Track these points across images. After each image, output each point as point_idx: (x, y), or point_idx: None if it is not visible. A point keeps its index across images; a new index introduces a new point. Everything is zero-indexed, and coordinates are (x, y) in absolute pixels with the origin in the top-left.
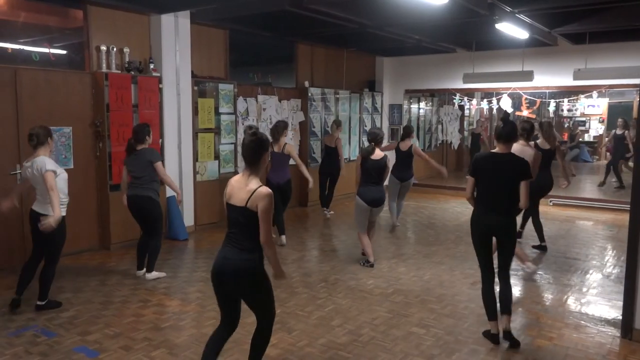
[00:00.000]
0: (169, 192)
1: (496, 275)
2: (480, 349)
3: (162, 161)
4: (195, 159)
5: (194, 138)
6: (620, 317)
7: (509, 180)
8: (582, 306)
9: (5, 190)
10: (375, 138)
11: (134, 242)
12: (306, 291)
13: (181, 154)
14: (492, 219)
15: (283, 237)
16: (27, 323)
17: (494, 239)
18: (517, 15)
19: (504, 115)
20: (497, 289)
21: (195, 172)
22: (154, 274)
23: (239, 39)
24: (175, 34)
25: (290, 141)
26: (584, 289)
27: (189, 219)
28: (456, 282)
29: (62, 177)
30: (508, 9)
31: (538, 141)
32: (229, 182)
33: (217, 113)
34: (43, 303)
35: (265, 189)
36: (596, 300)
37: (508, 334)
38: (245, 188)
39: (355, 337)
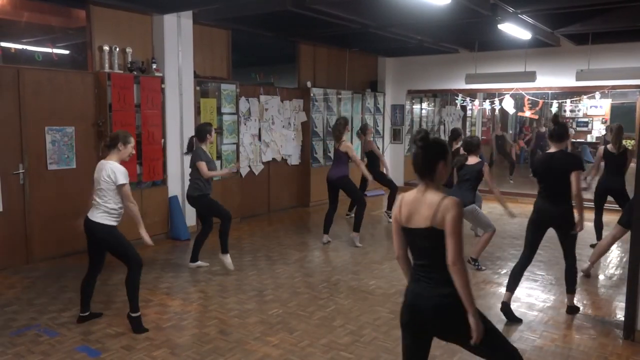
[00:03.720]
0: (171, 192)
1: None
2: None
3: (201, 161)
4: None
5: None
6: (623, 319)
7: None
8: (585, 307)
9: (9, 190)
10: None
11: (136, 242)
12: (308, 291)
13: (183, 154)
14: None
15: (327, 235)
16: (29, 322)
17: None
18: (519, 15)
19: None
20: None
21: None
22: (227, 257)
23: (241, 39)
24: (177, 34)
25: (347, 139)
26: (587, 290)
27: (190, 219)
28: None
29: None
30: (511, 9)
31: (608, 146)
32: (400, 202)
33: (220, 113)
34: (135, 315)
35: (452, 198)
36: (599, 302)
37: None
38: (426, 204)
39: (357, 337)
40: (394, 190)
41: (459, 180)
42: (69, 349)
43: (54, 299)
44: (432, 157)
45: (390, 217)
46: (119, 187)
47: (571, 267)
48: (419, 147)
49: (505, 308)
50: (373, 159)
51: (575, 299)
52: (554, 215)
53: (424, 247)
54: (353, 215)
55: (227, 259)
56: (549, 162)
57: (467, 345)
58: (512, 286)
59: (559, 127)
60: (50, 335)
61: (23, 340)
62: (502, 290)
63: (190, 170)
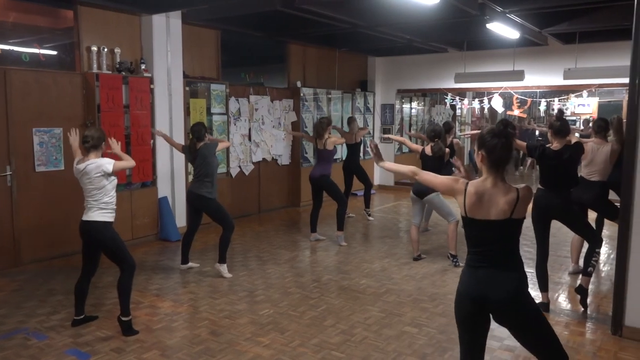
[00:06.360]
0: (161, 193)
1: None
2: None
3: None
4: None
5: (186, 139)
6: (611, 314)
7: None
8: (573, 304)
9: None
10: (439, 134)
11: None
12: (299, 291)
13: (173, 155)
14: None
15: (314, 234)
16: (18, 326)
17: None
18: (507, 15)
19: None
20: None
21: (187, 173)
22: (224, 267)
23: (230, 39)
24: (166, 35)
25: (333, 134)
26: (575, 287)
27: (180, 220)
28: (448, 281)
29: (113, 183)
30: (499, 9)
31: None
32: (467, 193)
33: (209, 113)
34: (126, 319)
35: (528, 188)
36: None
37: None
38: (502, 196)
39: (348, 336)
40: (368, 188)
41: (423, 168)
42: (58, 353)
43: (43, 302)
44: (512, 148)
45: (369, 215)
46: (112, 174)
47: (591, 251)
48: (505, 137)
49: (546, 308)
50: (354, 152)
51: (563, 295)
52: (556, 206)
53: (497, 236)
54: (352, 215)
55: (224, 268)
56: (559, 158)
57: (521, 332)
58: (544, 286)
59: (564, 123)
60: (39, 338)
61: (11, 344)
62: None
63: (198, 169)
